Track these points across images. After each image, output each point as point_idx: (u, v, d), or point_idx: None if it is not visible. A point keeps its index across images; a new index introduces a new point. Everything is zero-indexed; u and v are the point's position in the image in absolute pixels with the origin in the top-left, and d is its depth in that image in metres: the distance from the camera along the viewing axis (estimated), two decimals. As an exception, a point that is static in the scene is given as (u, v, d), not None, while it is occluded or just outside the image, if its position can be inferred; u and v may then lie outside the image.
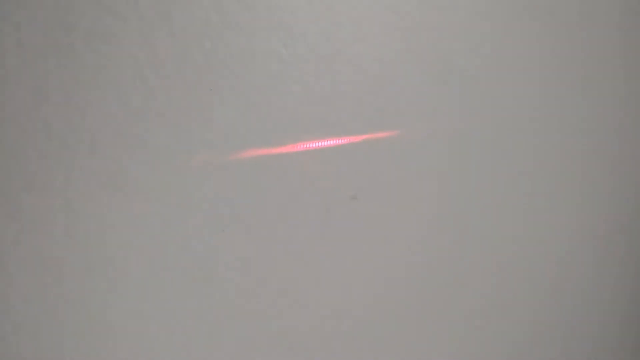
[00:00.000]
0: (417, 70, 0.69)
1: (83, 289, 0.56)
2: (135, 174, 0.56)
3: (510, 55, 0.74)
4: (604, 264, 0.88)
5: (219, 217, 0.61)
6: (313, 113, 0.64)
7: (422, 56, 0.69)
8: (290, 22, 0.62)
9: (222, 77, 0.59)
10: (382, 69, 0.67)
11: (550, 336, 0.84)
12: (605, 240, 0.87)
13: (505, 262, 0.79)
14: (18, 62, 0.51)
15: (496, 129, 0.75)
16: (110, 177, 0.55)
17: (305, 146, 0.64)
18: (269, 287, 0.64)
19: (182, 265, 0.60)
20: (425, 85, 0.69)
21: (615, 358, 0.88)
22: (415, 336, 0.74)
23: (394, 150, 0.69)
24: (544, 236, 0.82)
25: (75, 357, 0.56)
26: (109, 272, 0.57)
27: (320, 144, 0.65)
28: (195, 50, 0.58)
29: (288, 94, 0.62)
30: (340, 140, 0.66)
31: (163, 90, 0.57)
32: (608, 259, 0.88)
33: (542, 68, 0.77)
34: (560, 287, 0.85)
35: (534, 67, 0.76)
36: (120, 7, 0.54)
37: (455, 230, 0.75)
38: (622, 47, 0.82)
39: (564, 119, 0.80)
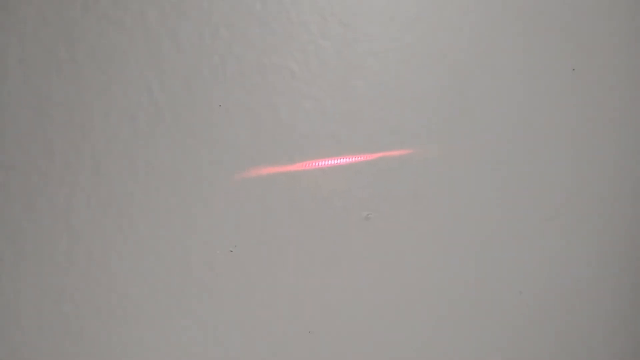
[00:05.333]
0: (433, 88, 0.66)
1: (85, 313, 0.54)
2: (141, 195, 0.55)
3: (528, 75, 0.72)
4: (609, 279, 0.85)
5: (226, 237, 0.59)
6: (325, 130, 0.62)
7: (439, 74, 0.66)
8: (303, 37, 0.60)
9: (232, 93, 0.57)
10: (397, 86, 0.64)
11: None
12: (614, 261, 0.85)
13: (521, 281, 0.76)
14: (20, 79, 0.50)
15: (512, 148, 0.72)
16: (114, 198, 0.54)
17: (316, 164, 0.62)
18: (278, 308, 0.62)
19: (188, 286, 0.58)
20: (441, 103, 0.67)
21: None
22: (428, 355, 0.72)
23: (409, 169, 0.66)
24: (560, 257, 0.79)
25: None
26: (112, 297, 0.55)
27: (332, 162, 0.63)
28: (203, 66, 0.56)
29: (299, 110, 0.61)
30: (353, 159, 0.63)
31: (170, 107, 0.55)
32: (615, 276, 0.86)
33: (560, 86, 0.74)
34: (577, 308, 0.82)
35: (552, 85, 0.74)
36: (126, 21, 0.52)
37: (470, 250, 0.72)
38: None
39: (583, 138, 0.77)
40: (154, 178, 0.55)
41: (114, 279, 0.55)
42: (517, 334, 0.77)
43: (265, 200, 0.60)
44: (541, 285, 0.77)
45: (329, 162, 0.63)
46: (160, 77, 0.54)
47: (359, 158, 0.64)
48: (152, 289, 0.56)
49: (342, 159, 0.63)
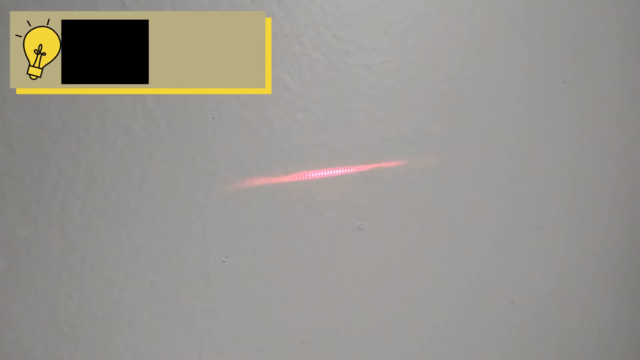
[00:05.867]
0: (427, 99, 0.67)
1: (78, 321, 0.54)
2: (135, 203, 0.55)
3: (521, 86, 0.73)
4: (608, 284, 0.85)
5: (219, 247, 0.59)
6: (319, 142, 0.62)
7: (432, 85, 0.67)
8: (296, 49, 0.61)
9: (225, 103, 0.58)
10: (390, 98, 0.65)
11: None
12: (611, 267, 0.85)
13: (514, 290, 0.76)
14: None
15: (507, 160, 0.73)
16: (108, 206, 0.54)
17: (310, 175, 0.63)
18: (271, 318, 0.62)
19: (181, 296, 0.58)
20: (435, 115, 0.68)
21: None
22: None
23: (402, 179, 0.67)
24: (555, 266, 0.79)
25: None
26: (106, 304, 0.55)
27: (326, 173, 0.63)
28: (198, 77, 0.57)
29: (293, 122, 0.61)
30: (346, 170, 0.64)
31: (164, 116, 0.56)
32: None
33: (555, 98, 0.75)
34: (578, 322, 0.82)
35: (546, 97, 0.74)
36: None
37: (463, 259, 0.72)
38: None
39: (575, 146, 0.78)
40: (148, 187, 0.56)
41: (108, 286, 0.55)
42: (511, 343, 0.77)
43: (259, 210, 0.60)
44: (535, 294, 0.77)
45: (322, 173, 0.63)
46: (155, 87, 0.55)
47: (352, 169, 0.64)
48: (146, 296, 0.56)
49: (335, 170, 0.64)
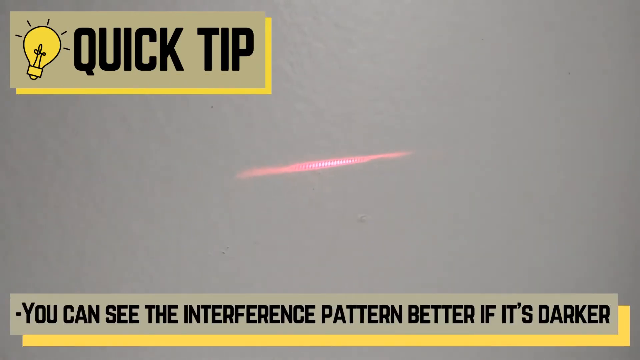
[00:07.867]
0: (428, 90, 0.64)
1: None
2: (133, 194, 0.57)
3: (527, 77, 0.68)
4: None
5: (220, 239, 0.60)
6: (320, 132, 0.62)
7: (435, 76, 0.64)
8: (297, 39, 0.60)
9: (225, 93, 0.58)
10: (391, 88, 0.63)
11: None
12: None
13: (517, 283, 0.72)
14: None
15: (510, 152, 0.69)
16: (106, 196, 0.56)
17: (311, 166, 0.62)
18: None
19: (180, 288, 0.59)
20: (438, 106, 0.65)
21: None
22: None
23: (403, 171, 0.65)
24: (558, 265, 0.74)
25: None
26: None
27: (327, 164, 0.62)
28: (194, 70, 0.57)
29: (294, 112, 0.61)
30: (347, 161, 0.63)
31: (162, 106, 0.57)
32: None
33: (560, 89, 0.70)
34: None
35: (551, 88, 0.69)
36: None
37: (466, 254, 0.69)
38: None
39: (579, 140, 0.72)
40: (147, 178, 0.57)
41: (106, 278, 0.57)
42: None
43: (259, 202, 0.61)
44: (539, 288, 0.73)
45: (323, 163, 0.62)
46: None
47: (353, 160, 0.63)
48: (145, 288, 0.58)
49: (336, 161, 0.63)
